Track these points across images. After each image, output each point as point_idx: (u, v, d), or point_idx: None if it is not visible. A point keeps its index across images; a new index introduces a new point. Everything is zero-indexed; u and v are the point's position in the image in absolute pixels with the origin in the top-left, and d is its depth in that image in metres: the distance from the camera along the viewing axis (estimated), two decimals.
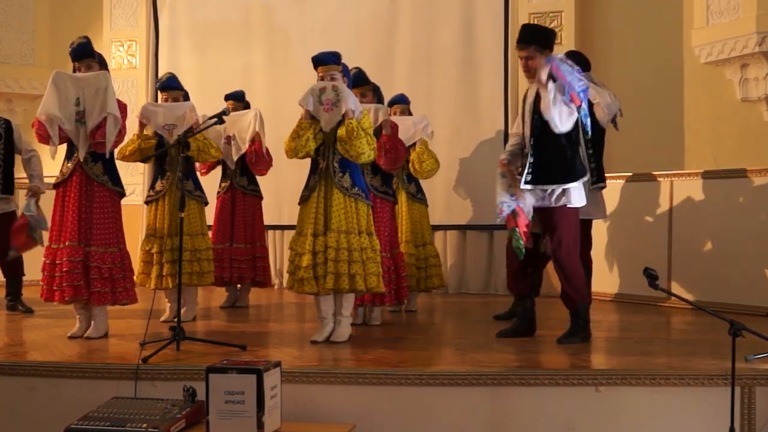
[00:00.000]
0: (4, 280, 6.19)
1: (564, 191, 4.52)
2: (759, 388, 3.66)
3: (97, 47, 7.96)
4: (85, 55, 4.77)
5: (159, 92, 5.71)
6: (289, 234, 4.73)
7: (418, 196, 6.08)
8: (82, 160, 4.65)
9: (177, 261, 5.14)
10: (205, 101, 6.52)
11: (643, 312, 6.00)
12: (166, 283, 5.34)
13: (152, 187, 5.55)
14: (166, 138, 5.36)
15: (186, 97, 5.65)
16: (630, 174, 6.60)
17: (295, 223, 4.69)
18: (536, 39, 4.53)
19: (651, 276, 3.55)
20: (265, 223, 6.61)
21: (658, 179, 6.43)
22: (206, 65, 8.02)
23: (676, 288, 6.06)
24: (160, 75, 8.18)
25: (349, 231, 4.52)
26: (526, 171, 4.50)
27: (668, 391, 3.70)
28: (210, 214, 6.08)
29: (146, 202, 5.56)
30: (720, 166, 6.35)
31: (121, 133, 4.70)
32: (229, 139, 6.11)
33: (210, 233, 5.89)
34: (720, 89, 6.79)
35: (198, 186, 5.60)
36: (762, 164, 5.90)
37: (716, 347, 4.32)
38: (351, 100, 4.54)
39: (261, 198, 6.36)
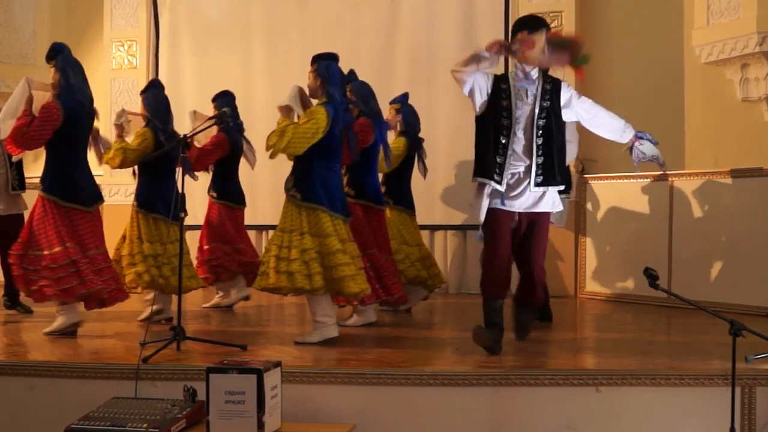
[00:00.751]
0: (3, 280, 6.19)
1: (554, 195, 4.36)
2: (759, 388, 3.66)
3: (98, 47, 8.13)
4: (48, 61, 4.92)
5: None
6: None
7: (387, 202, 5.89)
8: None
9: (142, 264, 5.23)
10: (205, 101, 6.53)
11: (643, 312, 6.00)
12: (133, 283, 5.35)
13: None
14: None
15: (150, 98, 5.54)
16: (630, 174, 6.59)
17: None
18: (546, 26, 4.37)
19: (651, 276, 3.55)
20: (265, 223, 6.60)
21: (658, 179, 6.42)
22: (207, 65, 8.02)
23: (676, 288, 6.05)
24: (160, 75, 8.22)
25: (284, 230, 4.55)
26: (534, 173, 4.24)
27: (669, 392, 3.70)
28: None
29: None
30: (720, 166, 6.35)
31: (23, 129, 4.72)
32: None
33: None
34: (720, 89, 6.79)
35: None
36: (762, 164, 5.90)
37: (717, 347, 4.32)
38: (284, 98, 4.62)
39: (229, 205, 6.25)
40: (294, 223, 4.54)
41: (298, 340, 4.59)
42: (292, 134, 4.47)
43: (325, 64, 4.67)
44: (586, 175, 6.99)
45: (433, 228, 7.34)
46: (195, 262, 6.10)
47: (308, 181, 4.57)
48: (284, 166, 4.72)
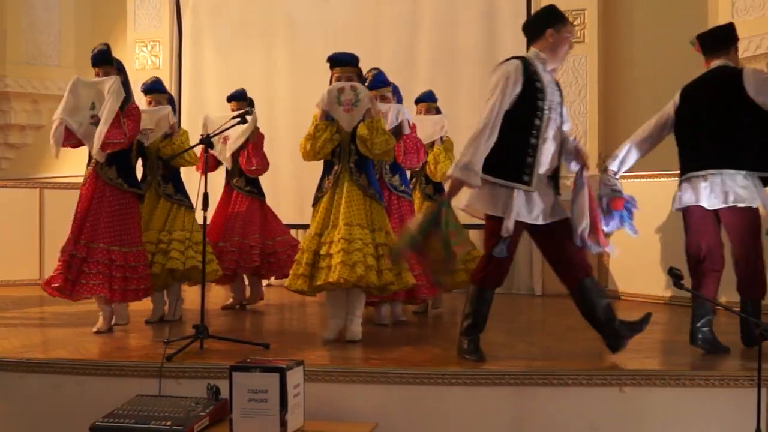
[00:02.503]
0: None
1: None
2: None
3: (121, 48, 8.20)
4: (102, 61, 4.98)
5: (144, 95, 5.64)
6: None
7: (434, 197, 5.86)
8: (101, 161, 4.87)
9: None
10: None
11: (667, 312, 5.95)
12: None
13: None
14: (144, 142, 5.42)
15: (170, 101, 5.67)
16: (647, 173, 6.53)
17: None
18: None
19: (676, 276, 3.52)
20: (288, 222, 6.61)
21: (674, 177, 6.34)
22: (229, 65, 8.07)
23: None
24: (183, 75, 8.28)
25: (362, 226, 4.54)
26: None
27: (693, 392, 3.66)
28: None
29: None
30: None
31: (126, 135, 4.82)
32: (225, 140, 6.09)
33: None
34: None
35: (180, 189, 5.56)
36: None
37: (742, 348, 4.27)
38: (370, 100, 4.62)
39: (261, 199, 6.26)
40: (369, 218, 4.64)
41: (349, 338, 4.59)
42: None
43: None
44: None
45: None
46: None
47: (376, 183, 4.80)
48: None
